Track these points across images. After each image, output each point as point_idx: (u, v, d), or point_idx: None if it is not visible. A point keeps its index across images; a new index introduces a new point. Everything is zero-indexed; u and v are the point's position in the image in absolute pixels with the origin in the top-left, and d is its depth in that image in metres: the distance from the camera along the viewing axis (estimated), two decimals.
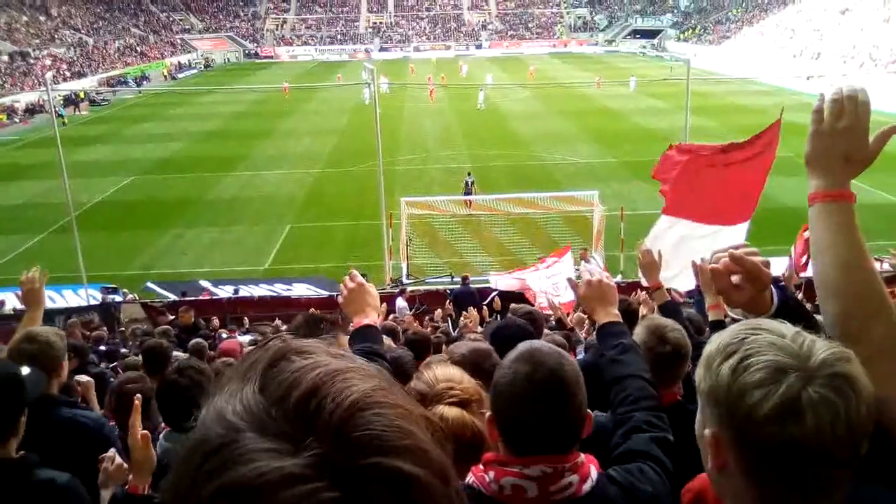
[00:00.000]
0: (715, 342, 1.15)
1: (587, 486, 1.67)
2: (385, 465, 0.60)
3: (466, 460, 1.77)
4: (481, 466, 1.72)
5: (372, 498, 0.58)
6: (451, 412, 1.94)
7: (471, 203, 24.56)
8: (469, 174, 26.40)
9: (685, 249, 6.16)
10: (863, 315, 1.43)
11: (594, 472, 1.72)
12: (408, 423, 0.64)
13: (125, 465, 2.72)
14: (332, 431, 0.61)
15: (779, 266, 10.46)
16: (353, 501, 0.58)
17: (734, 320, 1.46)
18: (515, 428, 1.69)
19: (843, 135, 1.54)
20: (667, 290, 4.39)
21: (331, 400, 0.63)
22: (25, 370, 2.63)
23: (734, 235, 6.83)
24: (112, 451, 2.85)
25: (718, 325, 3.78)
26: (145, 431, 2.68)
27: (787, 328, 1.13)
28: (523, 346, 1.81)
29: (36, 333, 3.41)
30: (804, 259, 10.63)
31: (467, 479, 1.73)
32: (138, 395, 2.84)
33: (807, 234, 9.22)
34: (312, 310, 11.80)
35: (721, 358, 1.11)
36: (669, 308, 4.13)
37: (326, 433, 0.60)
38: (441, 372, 2.09)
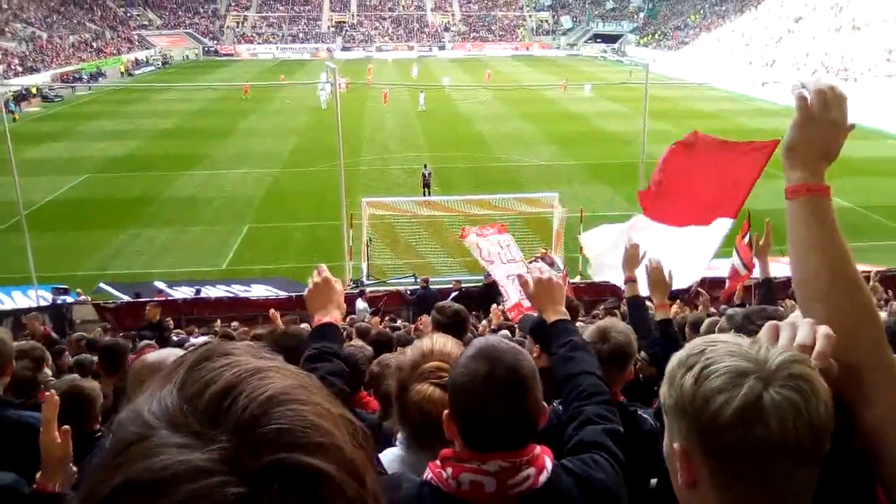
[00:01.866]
0: (675, 358, 1.16)
1: (543, 478, 1.70)
2: (293, 461, 0.59)
3: (443, 444, 1.80)
4: (438, 462, 1.73)
5: (279, 493, 0.58)
6: (436, 394, 1.97)
7: (429, 193, 25.60)
8: (426, 165, 27.11)
9: (655, 249, 6.23)
10: (852, 319, 1.35)
11: (549, 464, 1.74)
12: (323, 420, 0.64)
13: (75, 469, 2.65)
14: (243, 427, 0.60)
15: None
16: (260, 497, 0.57)
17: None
18: (474, 425, 1.70)
19: (831, 126, 1.47)
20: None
21: (245, 396, 0.62)
22: None
23: (708, 234, 6.83)
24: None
25: (666, 325, 3.82)
26: (66, 427, 2.59)
27: (744, 339, 1.15)
28: (480, 342, 1.81)
29: None
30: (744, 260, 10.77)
31: (425, 474, 1.74)
32: (53, 391, 2.79)
33: (747, 238, 9.28)
34: (272, 311, 11.71)
35: (683, 370, 1.12)
36: (635, 302, 4.19)
37: (236, 428, 0.60)
38: (439, 345, 2.12)
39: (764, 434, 1.04)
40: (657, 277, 3.98)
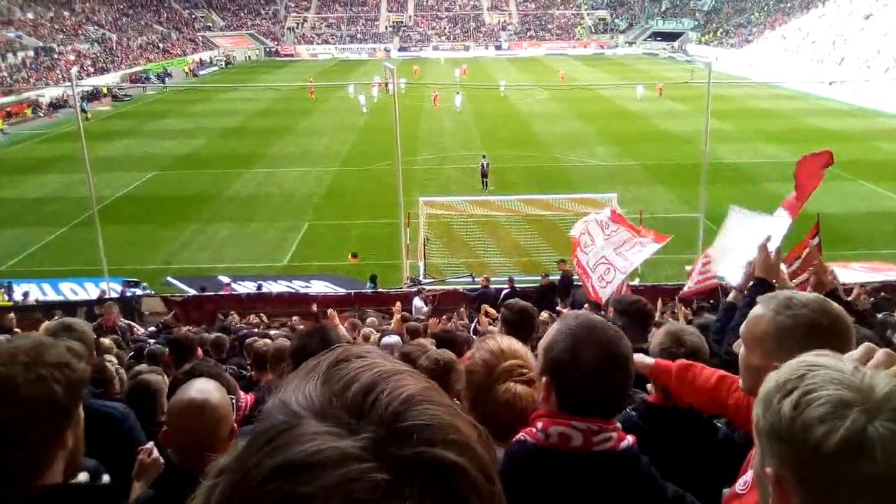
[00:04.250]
0: (772, 380, 1.13)
1: (623, 444, 1.85)
2: (433, 454, 0.65)
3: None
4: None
5: (419, 483, 0.63)
6: (524, 390, 2.11)
7: (487, 183, 27.11)
8: (483, 156, 28.31)
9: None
10: None
11: (630, 439, 1.89)
12: (456, 420, 0.70)
13: (161, 460, 2.80)
14: (387, 421, 0.66)
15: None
16: (402, 485, 0.63)
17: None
18: (575, 396, 1.84)
19: None
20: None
21: (387, 394, 0.69)
22: None
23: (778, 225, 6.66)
24: (150, 444, 2.92)
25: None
26: (150, 445, 2.84)
27: (846, 363, 1.11)
28: (586, 321, 1.93)
29: (72, 323, 3.51)
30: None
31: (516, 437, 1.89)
32: (150, 450, 2.92)
33: (815, 240, 9.01)
34: (330, 310, 11.92)
35: (780, 395, 1.09)
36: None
37: (380, 422, 0.66)
38: (506, 344, 2.23)
39: (868, 469, 0.99)
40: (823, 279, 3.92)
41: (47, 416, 1.48)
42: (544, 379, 1.89)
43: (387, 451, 0.64)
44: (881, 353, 1.25)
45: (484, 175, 27.42)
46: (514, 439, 1.88)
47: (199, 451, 2.24)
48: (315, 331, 3.45)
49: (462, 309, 14.62)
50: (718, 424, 3.00)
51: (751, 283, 3.60)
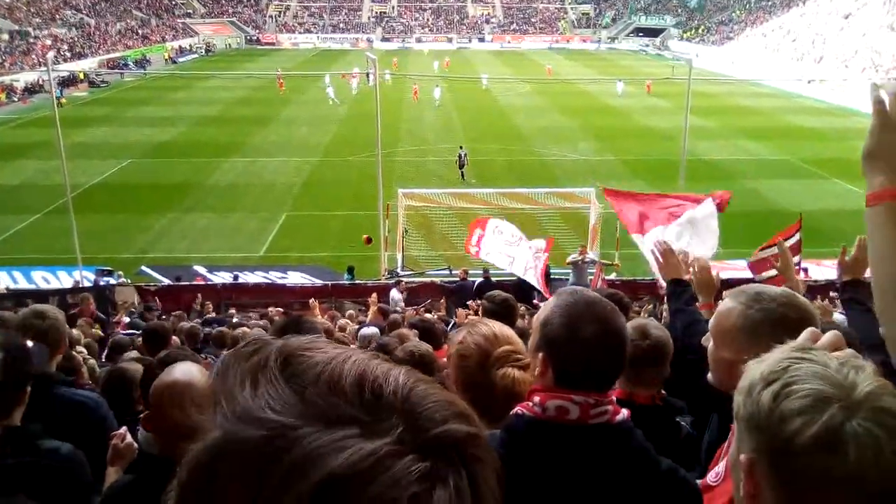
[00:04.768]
0: (756, 370, 1.12)
1: (619, 418, 1.88)
2: (452, 431, 0.64)
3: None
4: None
5: (453, 460, 0.63)
6: (521, 375, 2.16)
7: (464, 173, 27.70)
8: (461, 147, 28.92)
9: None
10: None
11: (625, 413, 1.92)
12: (445, 392, 0.70)
13: (135, 445, 2.79)
14: (399, 409, 0.64)
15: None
16: (440, 467, 0.61)
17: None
18: (573, 370, 1.86)
19: None
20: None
21: (383, 382, 0.66)
22: (29, 343, 2.65)
23: (705, 218, 6.76)
24: (123, 429, 2.91)
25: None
26: (123, 429, 2.85)
27: (831, 359, 1.10)
28: (582, 297, 1.95)
29: (44, 310, 3.45)
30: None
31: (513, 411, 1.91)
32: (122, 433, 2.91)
33: (796, 237, 9.12)
34: (312, 300, 11.85)
35: (762, 385, 1.08)
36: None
37: (394, 412, 0.63)
38: (499, 329, 2.27)
39: (839, 466, 0.98)
40: (704, 277, 3.70)
41: None
42: (540, 354, 1.90)
43: (413, 439, 0.62)
44: (829, 334, 1.23)
45: (461, 166, 27.92)
46: (512, 413, 1.90)
47: (182, 435, 2.18)
48: (291, 322, 3.39)
49: (441, 301, 14.62)
50: (682, 423, 2.99)
51: (666, 284, 3.69)
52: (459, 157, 28.10)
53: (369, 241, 19.06)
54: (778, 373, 1.08)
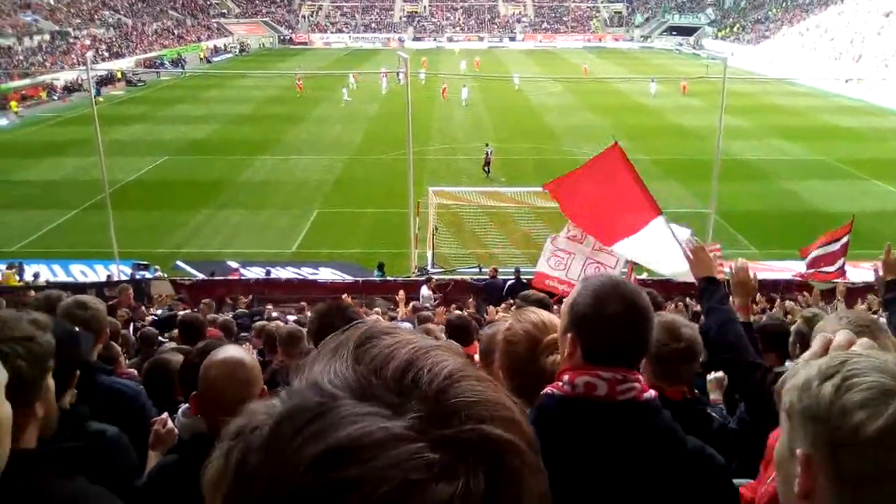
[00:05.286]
0: (812, 367, 1.10)
1: (647, 395, 1.91)
2: (483, 431, 0.62)
3: None
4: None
5: (472, 461, 0.60)
6: None
7: (489, 170, 28.20)
8: (487, 145, 29.09)
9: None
10: None
11: (653, 392, 1.96)
12: (498, 395, 0.68)
13: (175, 430, 2.88)
14: (431, 399, 0.63)
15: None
16: (455, 463, 0.60)
17: None
18: (600, 346, 1.90)
19: None
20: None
21: (427, 371, 0.66)
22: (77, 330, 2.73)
23: (655, 232, 6.33)
24: (164, 415, 3.00)
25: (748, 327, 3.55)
26: (164, 416, 2.98)
27: (886, 354, 1.09)
28: (608, 278, 2.00)
29: (86, 301, 3.54)
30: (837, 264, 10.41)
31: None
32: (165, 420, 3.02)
33: (844, 239, 8.99)
34: (345, 296, 11.97)
35: (820, 379, 1.06)
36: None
37: (425, 399, 0.63)
38: (546, 317, 2.31)
39: None
40: (742, 277, 3.59)
41: (13, 392, 1.47)
42: (569, 335, 1.94)
43: (435, 429, 0.61)
44: (840, 333, 1.23)
45: (487, 164, 28.19)
46: (542, 392, 1.94)
47: (232, 414, 2.22)
48: (332, 309, 3.42)
49: (470, 299, 14.64)
50: (712, 414, 2.99)
51: (697, 282, 3.48)
52: (486, 153, 28.41)
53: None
54: (836, 366, 1.06)
